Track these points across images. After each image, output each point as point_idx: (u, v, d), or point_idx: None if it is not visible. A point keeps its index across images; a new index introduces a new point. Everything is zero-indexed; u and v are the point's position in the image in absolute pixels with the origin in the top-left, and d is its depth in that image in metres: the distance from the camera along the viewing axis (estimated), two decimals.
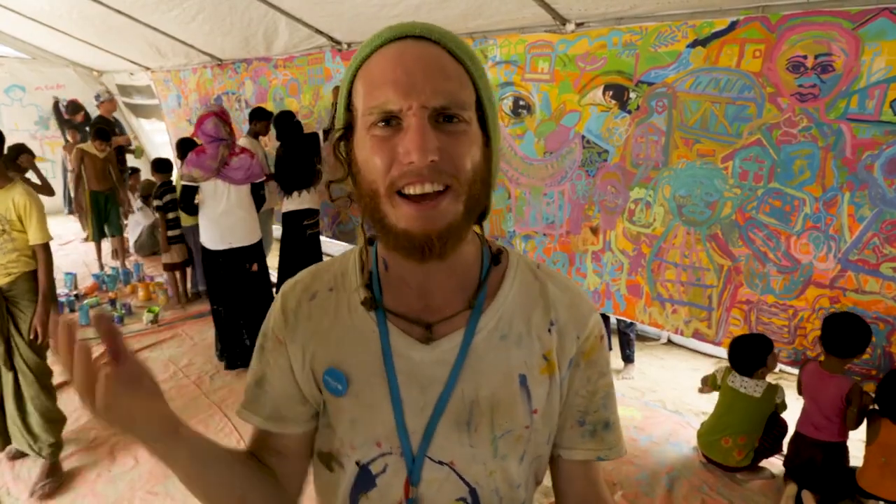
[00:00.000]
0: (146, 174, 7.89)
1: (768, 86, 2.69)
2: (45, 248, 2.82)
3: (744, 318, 2.98)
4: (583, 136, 3.40)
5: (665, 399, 3.82)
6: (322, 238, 5.07)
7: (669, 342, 4.71)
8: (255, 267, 4.11)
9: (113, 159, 6.25)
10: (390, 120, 0.68)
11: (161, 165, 5.31)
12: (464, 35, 3.78)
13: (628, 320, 3.94)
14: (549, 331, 0.83)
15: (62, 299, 5.14)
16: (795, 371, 3.03)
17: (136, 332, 4.73)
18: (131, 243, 6.91)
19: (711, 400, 3.23)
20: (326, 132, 4.91)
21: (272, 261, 5.41)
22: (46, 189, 5.36)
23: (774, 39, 2.63)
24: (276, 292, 0.96)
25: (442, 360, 0.80)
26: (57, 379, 3.87)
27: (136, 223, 6.86)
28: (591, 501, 0.91)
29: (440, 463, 0.80)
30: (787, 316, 2.85)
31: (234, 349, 4.15)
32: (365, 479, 0.82)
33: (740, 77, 2.76)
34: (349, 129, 0.75)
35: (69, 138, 7.55)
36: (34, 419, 2.91)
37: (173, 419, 0.74)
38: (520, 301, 0.84)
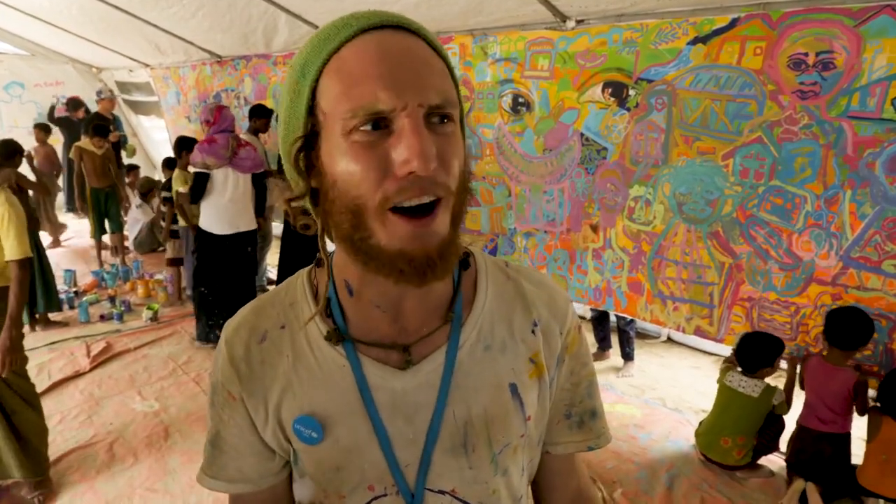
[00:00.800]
0: (145, 171, 7.91)
1: (769, 83, 2.68)
2: (21, 264, 2.49)
3: (745, 316, 2.98)
4: (581, 134, 3.39)
5: (665, 397, 3.81)
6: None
7: (669, 340, 4.71)
8: (250, 250, 4.45)
9: (112, 156, 6.24)
10: (378, 122, 0.58)
11: (171, 162, 5.38)
12: (464, 32, 3.77)
13: (628, 318, 3.94)
14: (533, 332, 0.78)
15: (62, 296, 5.13)
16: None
17: (136, 329, 4.73)
18: (131, 240, 6.90)
19: (712, 397, 3.23)
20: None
21: (272, 258, 5.42)
22: (41, 187, 5.33)
23: (775, 36, 2.62)
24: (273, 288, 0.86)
25: (426, 383, 0.72)
26: (57, 376, 3.88)
27: (136, 220, 6.85)
28: (581, 491, 0.90)
29: (440, 492, 0.74)
30: (789, 313, 2.85)
31: (215, 325, 4.39)
32: None
33: (741, 74, 2.75)
34: (312, 135, 0.63)
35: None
36: (28, 442, 2.69)
37: None
38: (497, 305, 0.78)
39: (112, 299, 5.19)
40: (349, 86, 0.59)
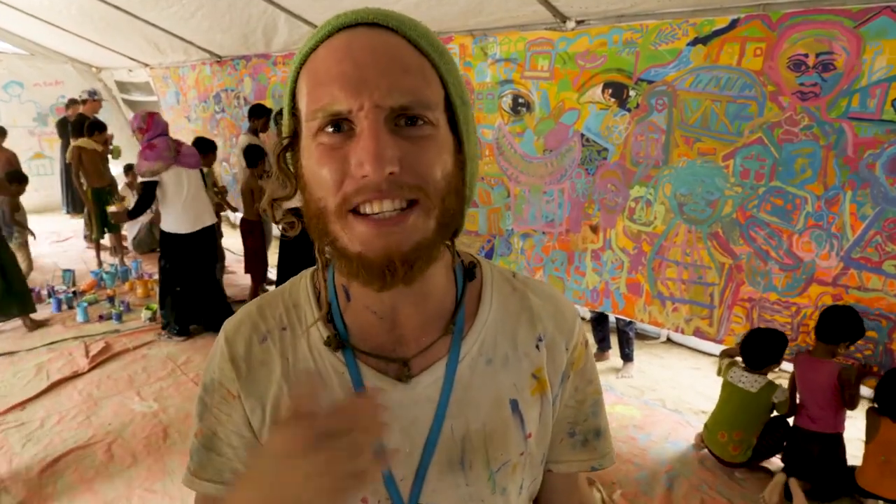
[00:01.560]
0: None
1: (769, 84, 2.68)
2: None
3: (746, 316, 2.98)
4: (582, 135, 3.39)
5: (664, 398, 3.81)
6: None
7: (669, 341, 4.71)
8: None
9: (106, 155, 6.24)
10: (340, 124, 0.57)
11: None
12: (464, 32, 3.77)
13: (627, 318, 3.94)
14: (538, 346, 0.76)
15: (60, 296, 5.12)
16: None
17: (135, 329, 4.72)
18: (129, 240, 6.89)
19: (712, 399, 3.23)
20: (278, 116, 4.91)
21: (271, 258, 5.41)
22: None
23: (775, 38, 2.62)
24: (276, 288, 0.84)
25: (424, 397, 0.70)
26: (55, 377, 3.88)
27: (134, 220, 6.84)
28: None
29: None
30: (789, 313, 2.85)
31: (189, 318, 4.58)
32: None
33: (741, 75, 2.75)
34: (295, 136, 0.64)
35: None
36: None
37: None
38: (501, 318, 0.75)
39: (111, 299, 5.18)
40: (313, 86, 0.59)
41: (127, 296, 5.47)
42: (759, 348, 2.89)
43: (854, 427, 2.89)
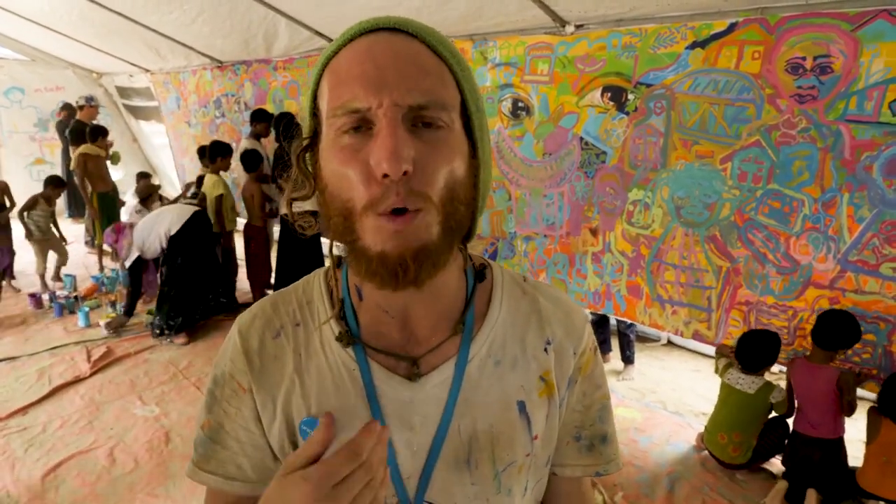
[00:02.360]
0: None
1: (767, 87, 2.69)
2: None
3: (743, 319, 2.99)
4: (581, 138, 3.40)
5: (665, 400, 3.82)
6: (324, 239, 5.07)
7: (669, 343, 4.71)
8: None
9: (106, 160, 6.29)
10: (360, 126, 0.59)
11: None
12: (464, 37, 3.79)
13: (628, 321, 3.94)
14: (546, 350, 0.77)
15: (61, 301, 5.13)
16: None
17: (136, 334, 4.72)
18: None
19: (712, 401, 3.23)
20: (278, 121, 4.92)
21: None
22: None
23: (773, 41, 2.64)
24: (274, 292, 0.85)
25: (433, 396, 0.71)
26: (57, 381, 3.88)
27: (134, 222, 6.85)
28: None
29: None
30: (786, 317, 2.86)
31: (191, 315, 4.69)
32: None
33: (739, 78, 2.77)
34: (314, 136, 0.66)
35: None
36: None
37: None
38: (511, 320, 0.77)
39: (112, 304, 5.18)
40: (335, 85, 0.61)
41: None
42: (755, 350, 2.89)
43: (854, 428, 2.90)
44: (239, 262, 5.62)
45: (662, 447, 3.25)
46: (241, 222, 5.44)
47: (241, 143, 5.49)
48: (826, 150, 2.59)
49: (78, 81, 8.49)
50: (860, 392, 2.73)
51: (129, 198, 6.71)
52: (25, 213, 5.50)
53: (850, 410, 2.67)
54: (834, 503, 2.73)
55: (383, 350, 0.72)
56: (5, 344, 4.53)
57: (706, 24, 2.81)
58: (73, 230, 7.95)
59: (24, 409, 3.55)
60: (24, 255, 5.82)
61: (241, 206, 5.39)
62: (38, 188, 6.77)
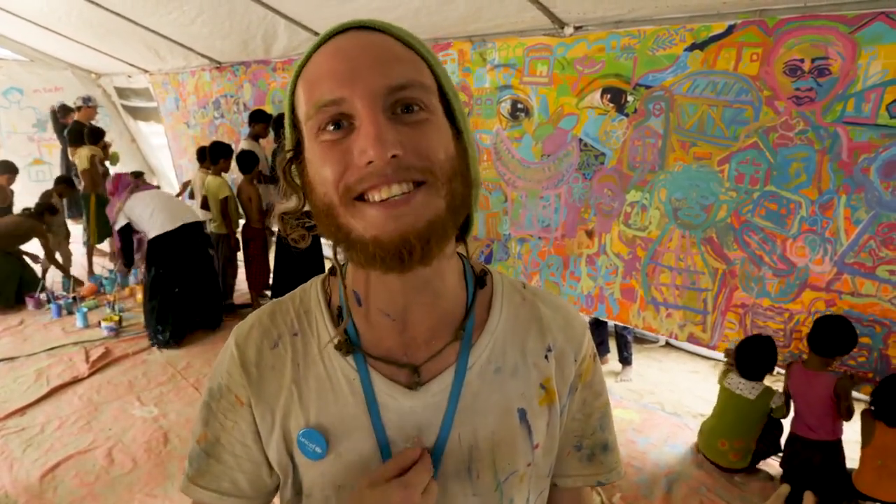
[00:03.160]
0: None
1: (765, 89, 2.70)
2: None
3: (739, 322, 2.99)
4: (580, 140, 3.41)
5: (663, 401, 3.82)
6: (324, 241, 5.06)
7: (668, 344, 4.72)
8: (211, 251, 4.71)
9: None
10: (341, 122, 0.58)
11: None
12: (462, 38, 3.79)
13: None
14: (547, 357, 0.76)
15: (59, 302, 5.13)
16: None
17: (134, 334, 4.72)
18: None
19: (710, 402, 3.24)
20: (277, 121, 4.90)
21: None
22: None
23: (772, 43, 2.64)
24: (272, 296, 0.84)
25: (433, 404, 0.70)
26: (55, 382, 3.88)
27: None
28: None
29: None
30: (782, 319, 2.86)
31: (184, 324, 4.56)
32: None
33: (737, 80, 2.77)
34: (298, 148, 0.65)
35: None
36: None
37: None
38: (511, 327, 0.76)
39: (111, 305, 5.18)
40: (308, 89, 0.61)
41: (127, 301, 5.47)
42: (754, 357, 2.88)
43: (851, 430, 2.90)
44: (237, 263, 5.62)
45: (660, 448, 3.25)
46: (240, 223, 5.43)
47: (239, 145, 5.49)
48: (823, 152, 2.60)
49: (77, 82, 8.47)
50: (855, 395, 2.74)
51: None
52: (38, 210, 5.54)
53: (849, 415, 2.67)
54: None
55: (383, 358, 0.71)
56: (3, 344, 4.53)
57: (705, 25, 2.82)
58: (72, 230, 7.94)
59: (22, 410, 3.55)
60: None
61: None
62: (38, 189, 6.80)
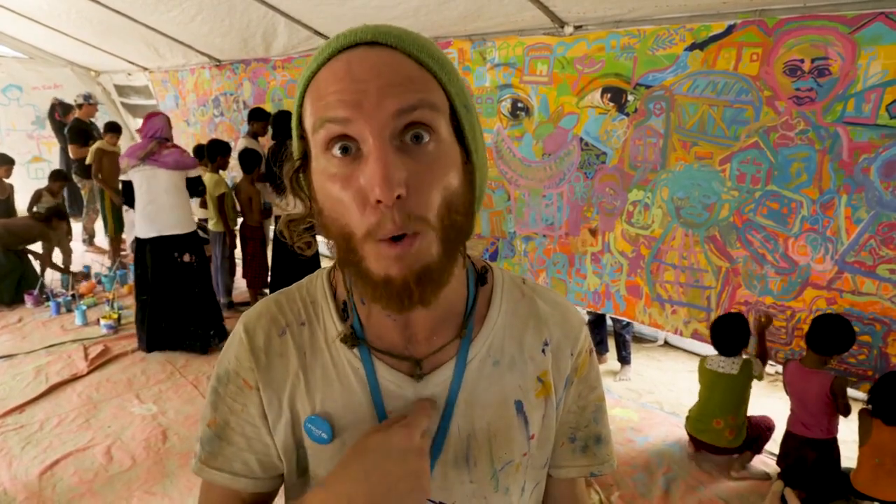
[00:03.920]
0: None
1: (765, 89, 2.70)
2: None
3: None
4: (581, 139, 3.41)
5: (662, 401, 3.83)
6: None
7: (666, 344, 4.73)
8: (186, 257, 4.20)
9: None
10: (348, 147, 0.58)
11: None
12: (462, 37, 3.79)
13: (624, 321, 3.96)
14: (544, 351, 0.78)
15: (59, 299, 5.12)
16: None
17: (134, 332, 4.71)
18: (129, 243, 6.89)
19: None
20: (276, 119, 4.82)
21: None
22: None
23: (771, 43, 2.65)
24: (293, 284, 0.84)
25: (434, 395, 0.73)
26: (54, 379, 3.88)
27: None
28: None
29: None
30: (784, 317, 2.87)
31: (155, 334, 4.31)
32: None
33: (738, 80, 2.78)
34: (305, 158, 0.66)
35: None
36: None
37: None
38: (510, 322, 0.78)
39: (110, 302, 5.18)
40: (316, 105, 0.60)
41: (125, 299, 5.47)
42: (729, 334, 2.96)
43: (848, 429, 2.91)
44: (236, 261, 5.63)
45: (659, 447, 3.26)
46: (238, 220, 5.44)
47: (238, 143, 5.49)
48: (824, 152, 2.60)
49: (76, 79, 8.46)
50: (853, 393, 2.75)
51: None
52: (34, 208, 5.62)
53: (847, 412, 2.69)
54: (827, 503, 2.74)
55: (386, 350, 0.73)
56: (2, 342, 4.53)
57: (705, 25, 2.83)
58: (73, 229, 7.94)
59: (21, 407, 3.55)
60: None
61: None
62: (37, 186, 6.79)
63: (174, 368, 4.12)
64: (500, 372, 0.76)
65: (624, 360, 4.17)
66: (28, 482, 2.88)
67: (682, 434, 3.34)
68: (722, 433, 3.01)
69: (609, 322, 4.30)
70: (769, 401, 3.67)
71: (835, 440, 2.78)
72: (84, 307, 4.95)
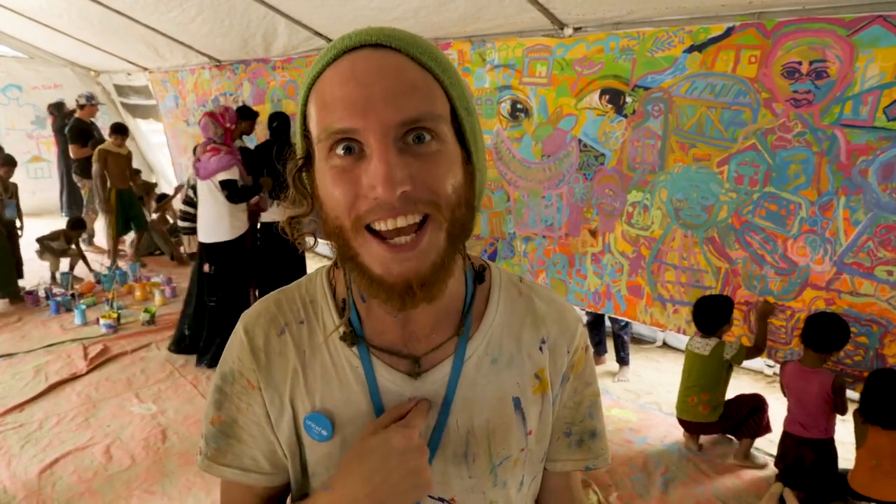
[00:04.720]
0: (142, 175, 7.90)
1: (763, 91, 2.72)
2: None
3: (743, 319, 3.01)
4: (579, 140, 3.42)
5: (660, 402, 3.84)
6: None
7: (665, 345, 4.74)
8: (206, 267, 4.11)
9: (131, 158, 6.44)
10: (352, 147, 0.59)
11: None
12: (462, 38, 3.80)
13: (623, 322, 3.97)
14: (541, 348, 0.79)
15: (58, 298, 5.13)
16: None
17: (133, 332, 4.73)
18: (128, 243, 6.91)
19: None
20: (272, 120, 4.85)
21: None
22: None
23: (770, 45, 2.66)
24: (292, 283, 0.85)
25: (433, 392, 0.74)
26: (54, 378, 3.88)
27: None
28: None
29: (440, 500, 0.75)
30: (784, 317, 2.88)
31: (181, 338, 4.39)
32: None
33: (736, 82, 2.79)
34: (308, 157, 0.67)
35: None
36: None
37: None
38: (507, 320, 0.79)
39: (109, 302, 5.18)
40: (320, 109, 0.61)
41: (125, 298, 5.47)
42: (708, 313, 3.04)
43: (846, 430, 2.92)
44: None
45: (657, 448, 3.27)
46: None
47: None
48: (822, 154, 2.61)
49: (76, 79, 8.48)
50: (850, 394, 2.76)
51: None
52: (46, 241, 5.70)
53: (844, 411, 2.71)
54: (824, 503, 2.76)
55: (385, 348, 0.74)
56: (2, 341, 4.54)
57: (703, 28, 2.84)
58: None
59: (20, 406, 3.56)
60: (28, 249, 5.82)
61: None
62: (36, 186, 6.81)
63: (173, 368, 4.13)
64: (498, 369, 0.77)
65: (622, 361, 4.18)
66: (27, 481, 2.89)
67: (680, 435, 3.36)
68: (696, 408, 3.14)
69: (608, 323, 4.31)
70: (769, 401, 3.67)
71: (832, 440, 2.80)
72: (83, 307, 4.96)
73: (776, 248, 2.82)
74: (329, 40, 4.65)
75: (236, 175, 3.95)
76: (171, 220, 7.00)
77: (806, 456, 2.77)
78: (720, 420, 3.14)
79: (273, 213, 4.62)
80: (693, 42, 2.88)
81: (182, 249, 6.43)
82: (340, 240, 0.63)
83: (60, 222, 7.97)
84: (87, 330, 4.74)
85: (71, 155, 6.91)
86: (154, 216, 7.00)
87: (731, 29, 2.76)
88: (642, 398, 3.89)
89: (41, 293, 5.35)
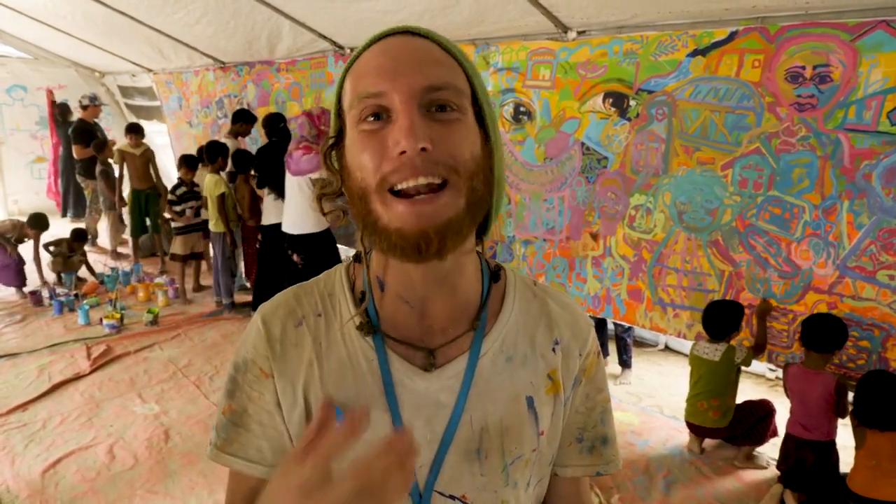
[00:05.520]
0: None
1: (767, 95, 2.72)
2: None
3: (745, 322, 3.01)
4: (582, 143, 3.43)
5: (662, 405, 3.84)
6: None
7: (667, 348, 4.73)
8: (295, 257, 4.39)
9: (153, 158, 6.44)
10: (380, 114, 0.64)
11: (189, 161, 5.45)
12: (466, 42, 3.81)
13: (626, 325, 3.97)
14: (554, 350, 0.80)
15: (62, 299, 5.14)
16: None
17: (136, 332, 4.74)
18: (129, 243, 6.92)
19: None
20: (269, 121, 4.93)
21: None
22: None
23: (773, 50, 2.67)
24: (253, 298, 0.84)
25: (447, 387, 0.74)
26: (57, 378, 3.89)
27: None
28: None
29: (451, 497, 0.75)
30: (786, 320, 2.88)
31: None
32: None
33: (739, 86, 2.80)
34: (340, 135, 0.71)
35: None
36: None
37: None
38: (522, 320, 0.80)
39: (112, 303, 5.19)
40: (354, 81, 0.67)
41: (128, 299, 5.48)
42: (719, 318, 3.02)
43: (847, 434, 2.92)
44: (237, 261, 5.65)
45: (659, 450, 3.27)
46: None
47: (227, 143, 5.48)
48: (826, 158, 2.62)
49: (80, 80, 8.50)
50: (851, 397, 2.76)
51: None
52: (50, 247, 5.73)
53: (845, 413, 2.71)
54: None
55: (401, 340, 0.75)
56: (6, 340, 4.54)
57: (707, 32, 2.85)
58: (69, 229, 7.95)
59: (24, 406, 3.57)
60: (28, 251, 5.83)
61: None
62: (39, 186, 6.85)
63: (176, 368, 4.14)
64: (513, 368, 0.77)
65: (625, 363, 4.18)
66: (31, 480, 2.89)
67: (682, 438, 3.35)
68: (706, 414, 3.12)
69: (610, 326, 4.31)
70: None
71: (834, 443, 2.79)
72: (87, 307, 4.97)
73: (780, 251, 2.83)
74: (333, 43, 4.67)
75: (325, 175, 4.12)
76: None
77: (807, 458, 2.77)
78: (730, 426, 3.11)
79: (273, 216, 4.65)
80: (697, 46, 2.89)
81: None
82: (363, 204, 0.66)
83: (64, 223, 8.01)
84: (91, 330, 4.75)
85: (74, 155, 6.92)
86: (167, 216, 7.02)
87: (734, 33, 2.77)
88: (644, 401, 3.89)
89: (45, 293, 5.36)
